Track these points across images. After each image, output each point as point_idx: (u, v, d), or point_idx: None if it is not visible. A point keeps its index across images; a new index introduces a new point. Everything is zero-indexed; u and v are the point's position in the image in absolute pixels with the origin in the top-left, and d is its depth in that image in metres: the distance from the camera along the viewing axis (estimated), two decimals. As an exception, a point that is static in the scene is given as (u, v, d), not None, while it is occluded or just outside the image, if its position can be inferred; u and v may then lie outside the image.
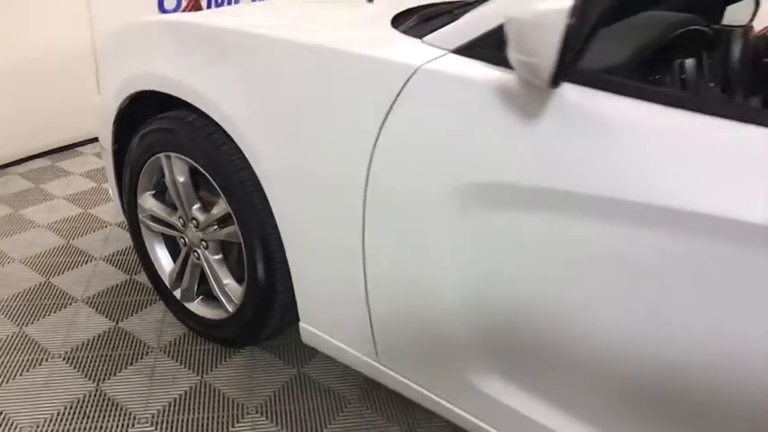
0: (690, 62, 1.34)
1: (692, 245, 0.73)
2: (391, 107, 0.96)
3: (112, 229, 2.13)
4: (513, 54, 0.75)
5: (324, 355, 1.53)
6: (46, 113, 2.62)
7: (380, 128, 0.97)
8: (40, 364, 1.47)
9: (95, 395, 1.39)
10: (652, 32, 1.06)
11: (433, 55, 0.95)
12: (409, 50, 0.98)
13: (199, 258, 1.51)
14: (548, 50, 0.69)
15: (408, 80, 0.94)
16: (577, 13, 0.67)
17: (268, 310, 1.39)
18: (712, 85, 1.44)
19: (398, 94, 0.95)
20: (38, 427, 1.29)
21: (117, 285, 1.81)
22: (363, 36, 1.09)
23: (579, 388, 0.92)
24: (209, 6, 3.10)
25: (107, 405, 1.36)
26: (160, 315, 1.68)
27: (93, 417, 1.33)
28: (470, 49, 0.92)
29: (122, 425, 1.32)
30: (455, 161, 0.90)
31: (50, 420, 1.31)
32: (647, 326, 0.79)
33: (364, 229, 1.07)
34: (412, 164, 0.95)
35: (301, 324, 1.34)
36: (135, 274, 1.87)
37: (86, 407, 1.36)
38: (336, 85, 1.04)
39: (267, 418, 1.37)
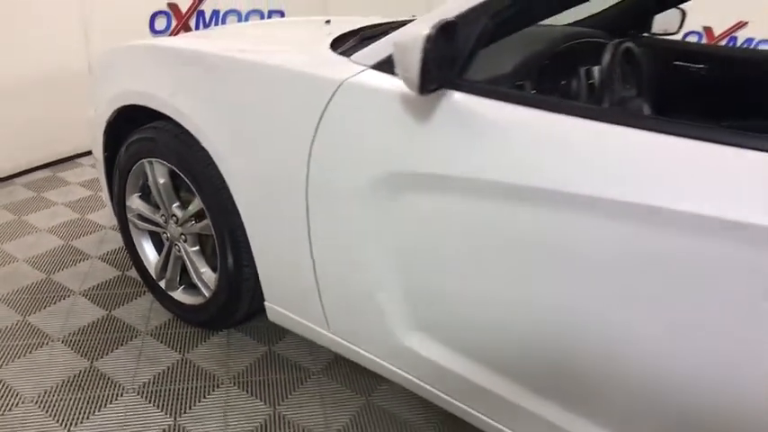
0: (597, 69, 1.55)
1: (545, 216, 0.93)
2: (322, 114, 1.17)
3: (107, 231, 2.34)
4: (397, 70, 0.96)
5: (291, 335, 1.74)
6: (46, 128, 2.84)
7: (315, 132, 1.19)
8: (41, 347, 1.68)
9: (89, 371, 1.60)
10: (539, 46, 1.27)
11: (355, 71, 1.16)
12: (338, 67, 1.19)
13: (179, 251, 1.72)
14: (413, 67, 0.90)
15: (335, 92, 1.15)
16: (432, 40, 0.88)
17: (238, 293, 1.59)
18: (628, 87, 1.66)
19: (328, 103, 1.16)
20: (39, 396, 1.50)
21: (110, 280, 2.02)
22: (304, 56, 1.31)
23: (484, 340, 1.13)
24: (197, 27, 3.34)
25: (99, 378, 1.57)
26: (148, 304, 1.89)
27: (88, 388, 1.54)
28: (383, 66, 1.13)
29: (113, 394, 1.52)
30: (371, 156, 1.11)
31: (50, 391, 1.52)
32: (526, 282, 1.00)
33: (308, 219, 1.28)
34: (340, 161, 1.16)
35: (266, 303, 1.55)
36: (126, 270, 2.07)
37: (81, 380, 1.56)
38: (281, 98, 1.25)
39: (239, 387, 1.57)
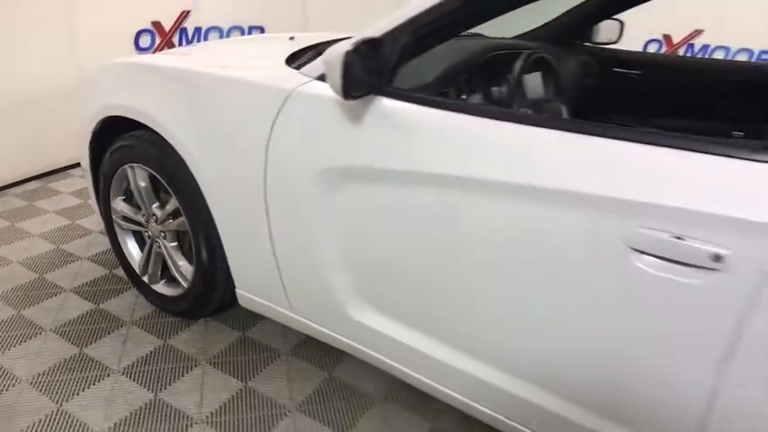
0: (530, 76, 1.76)
1: (455, 198, 1.12)
2: (275, 120, 1.36)
3: (96, 235, 2.52)
4: (328, 80, 1.16)
5: (264, 321, 1.92)
6: (37, 141, 3.02)
7: (269, 136, 1.38)
8: (35, 336, 1.85)
9: (79, 356, 1.77)
10: (461, 57, 1.47)
11: (302, 81, 1.36)
12: (288, 79, 1.38)
13: (160, 247, 1.90)
14: (336, 78, 1.10)
15: (285, 100, 1.35)
16: (351, 55, 1.08)
17: (212, 283, 1.77)
18: (547, 91, 1.86)
19: (279, 111, 1.35)
20: (33, 378, 1.67)
21: (99, 277, 2.20)
22: (262, 70, 1.50)
23: (421, 310, 1.31)
24: (180, 44, 3.54)
25: (88, 362, 1.75)
26: (133, 298, 2.07)
27: (77, 370, 1.71)
28: (325, 77, 1.32)
29: (100, 375, 1.70)
30: (315, 155, 1.30)
31: (43, 374, 1.69)
32: (446, 253, 1.19)
33: (268, 213, 1.47)
34: (290, 160, 1.36)
35: (237, 291, 1.73)
36: (113, 269, 2.25)
37: (71, 364, 1.74)
38: (241, 107, 1.45)
39: (214, 367, 1.75)
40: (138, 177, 1.84)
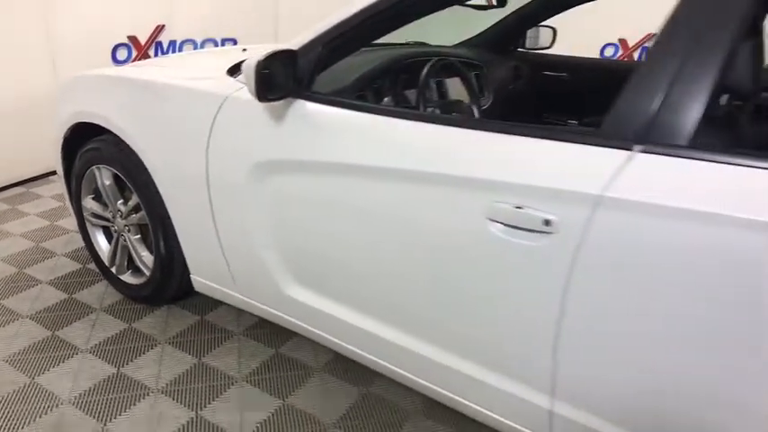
0: (447, 81, 1.97)
1: (354, 183, 1.33)
2: (213, 122, 1.57)
3: (73, 234, 2.71)
4: (246, 86, 1.36)
5: (221, 307, 2.12)
6: (21, 149, 3.22)
7: (209, 136, 1.58)
8: (13, 322, 2.04)
9: (51, 338, 1.96)
10: (380, 64, 1.69)
11: (237, 87, 1.56)
12: (225, 86, 1.59)
13: (125, 240, 2.10)
14: (251, 84, 1.31)
15: (221, 104, 1.55)
16: (261, 65, 1.28)
17: (170, 270, 1.97)
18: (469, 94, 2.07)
19: (216, 113, 1.56)
20: (9, 357, 1.86)
21: (73, 271, 2.39)
22: (207, 79, 1.71)
23: (343, 285, 1.51)
24: (156, 56, 3.75)
25: (59, 343, 1.94)
26: (103, 288, 2.26)
27: (48, 350, 1.90)
28: (255, 84, 1.53)
29: (69, 354, 1.89)
30: (246, 150, 1.51)
31: (19, 353, 1.88)
32: (361, 232, 1.39)
33: (211, 204, 1.67)
34: (226, 156, 1.56)
35: (192, 276, 1.93)
36: (87, 264, 2.44)
37: (45, 344, 1.93)
38: (186, 111, 1.65)
39: (173, 346, 1.94)
40: (104, 177, 2.04)
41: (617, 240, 1.02)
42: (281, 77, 1.37)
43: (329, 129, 1.39)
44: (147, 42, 3.67)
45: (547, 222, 1.07)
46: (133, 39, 3.60)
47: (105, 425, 1.61)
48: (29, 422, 1.61)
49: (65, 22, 3.23)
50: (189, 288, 2.00)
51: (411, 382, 1.48)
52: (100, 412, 1.65)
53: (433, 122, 1.26)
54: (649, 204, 0.98)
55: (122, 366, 1.84)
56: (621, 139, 1.04)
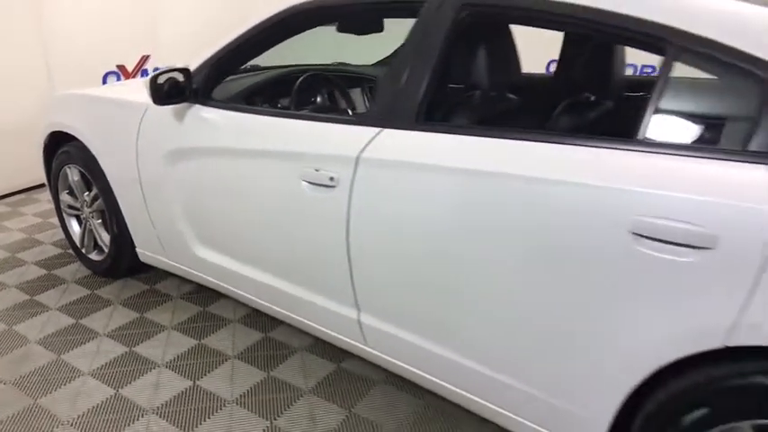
0: (353, 91, 2.48)
1: (247, 164, 1.83)
2: (139, 125, 2.09)
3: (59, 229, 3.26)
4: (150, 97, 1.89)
5: (166, 277, 2.62)
6: (23, 160, 3.81)
7: (137, 137, 2.11)
8: (1, 291, 2.58)
9: (29, 301, 2.49)
10: (266, 78, 2.21)
11: (156, 98, 2.09)
12: (149, 97, 2.12)
13: (91, 225, 2.63)
14: (147, 92, 1.83)
15: (145, 111, 2.08)
16: (154, 80, 1.80)
17: (122, 247, 2.49)
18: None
19: (142, 118, 2.09)
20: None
21: (56, 254, 2.93)
22: (138, 93, 2.24)
23: (238, 244, 2.00)
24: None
25: (34, 304, 2.46)
26: (77, 266, 2.79)
27: (27, 307, 2.42)
28: (168, 94, 2.06)
29: (41, 311, 2.40)
30: (161, 143, 2.03)
31: (5, 310, 2.40)
32: (252, 203, 1.88)
33: (142, 188, 2.18)
34: (148, 149, 2.08)
35: (137, 249, 2.44)
36: (67, 249, 2.98)
37: (23, 305, 2.45)
38: (121, 118, 2.18)
39: (123, 306, 2.45)
40: (73, 174, 2.58)
41: (376, 187, 1.49)
42: (179, 88, 1.89)
43: (212, 124, 1.91)
44: (133, 70, 4.28)
45: (331, 179, 1.56)
46: (121, 67, 4.21)
47: None
48: (2, 353, 2.12)
49: (62, 52, 3.84)
50: (138, 262, 2.51)
51: (270, 310, 1.96)
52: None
53: (278, 116, 1.76)
54: (386, 160, 1.46)
55: (80, 319, 2.35)
56: (375, 122, 1.52)
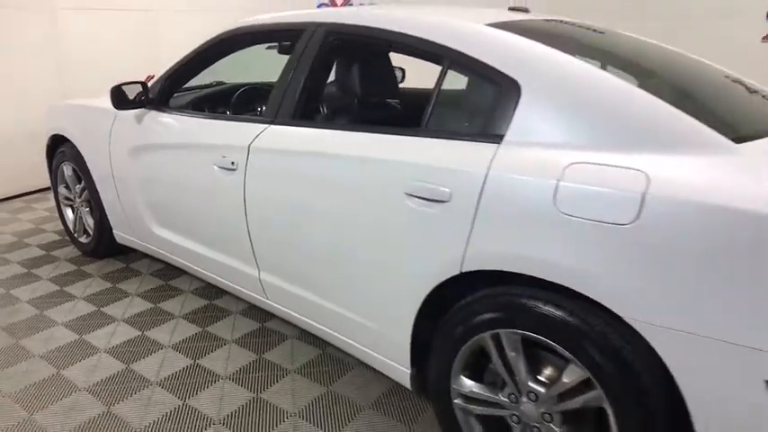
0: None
1: (179, 156, 2.33)
2: (111, 128, 2.62)
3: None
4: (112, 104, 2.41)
5: (142, 258, 3.12)
6: (40, 164, 4.43)
7: (109, 137, 2.64)
8: (4, 266, 3.12)
9: (27, 274, 3.02)
10: (209, 91, 2.71)
11: (124, 106, 2.62)
12: (120, 105, 2.65)
13: (81, 214, 3.17)
14: (109, 100, 2.35)
15: (115, 116, 2.61)
16: (114, 91, 2.32)
17: (103, 231, 3.01)
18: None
19: (113, 122, 2.62)
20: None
21: (54, 240, 3.47)
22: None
23: (179, 223, 2.49)
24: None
25: (30, 276, 2.99)
26: (70, 249, 3.33)
27: (22, 278, 2.95)
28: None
29: (33, 280, 2.93)
30: (127, 141, 2.55)
31: (4, 280, 2.94)
32: (186, 190, 2.37)
33: (114, 178, 2.71)
34: (118, 146, 2.61)
35: (114, 232, 2.96)
36: (64, 236, 3.53)
37: (21, 276, 2.98)
38: (99, 123, 2.72)
39: (103, 279, 2.96)
40: (67, 170, 3.13)
41: (261, 169, 1.96)
42: (137, 97, 2.41)
43: (162, 125, 2.41)
44: (139, 88, 4.89)
45: (232, 163, 2.03)
46: (128, 86, 4.82)
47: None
48: None
49: (74, 71, 4.47)
50: (116, 243, 3.02)
51: (206, 276, 2.42)
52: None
53: (208, 118, 2.26)
54: (267, 148, 1.92)
55: (64, 286, 2.87)
56: (266, 119, 2.00)
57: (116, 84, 2.40)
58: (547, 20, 1.98)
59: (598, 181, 1.25)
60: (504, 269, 1.39)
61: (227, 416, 1.92)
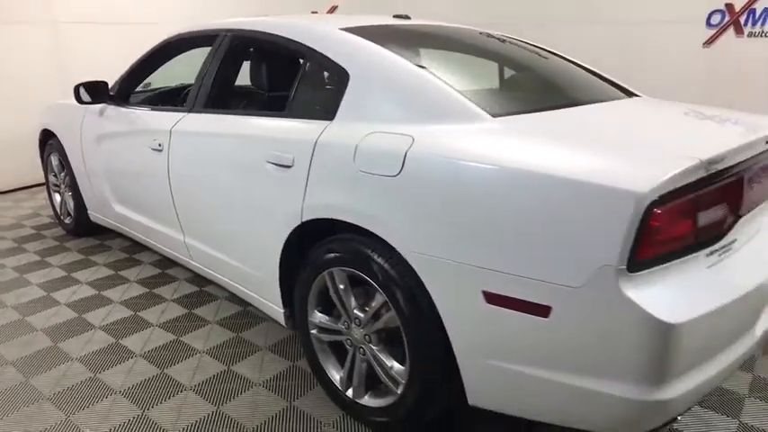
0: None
1: (129, 141, 2.78)
2: (82, 121, 3.10)
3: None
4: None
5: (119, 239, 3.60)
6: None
7: (81, 129, 3.12)
8: (1, 241, 3.63)
9: (17, 248, 3.52)
10: (161, 90, 3.17)
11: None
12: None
13: (64, 198, 3.66)
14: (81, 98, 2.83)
15: (86, 111, 3.09)
16: (76, 87, 2.79)
17: (80, 211, 3.49)
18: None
19: (84, 116, 3.10)
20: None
21: (46, 223, 3.98)
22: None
23: (132, 201, 2.94)
24: (143, 102, 5.48)
25: (18, 250, 3.49)
26: (57, 230, 3.82)
27: (15, 240, 3.45)
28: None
29: (17, 251, 3.43)
30: (92, 130, 3.02)
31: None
32: (134, 172, 2.83)
33: (85, 165, 3.18)
34: (87, 134, 3.08)
35: (88, 212, 3.44)
36: (53, 219, 4.03)
37: (9, 251, 3.48)
38: (71, 118, 3.21)
39: (79, 253, 3.43)
40: (54, 161, 3.64)
41: (178, 148, 2.38)
42: (98, 94, 2.88)
43: (117, 116, 2.87)
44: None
45: (159, 145, 2.47)
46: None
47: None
48: None
49: (75, 81, 5.01)
50: (92, 223, 3.49)
51: (154, 246, 2.86)
52: None
53: (149, 110, 2.70)
54: (182, 131, 2.35)
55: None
56: (187, 108, 2.43)
57: (79, 83, 2.87)
58: (413, 24, 2.37)
59: (381, 144, 1.63)
60: (328, 217, 1.77)
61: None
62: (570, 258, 1.30)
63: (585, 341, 1.32)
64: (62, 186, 3.66)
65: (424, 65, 1.83)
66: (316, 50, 1.97)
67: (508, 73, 2.16)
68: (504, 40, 2.39)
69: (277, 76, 2.32)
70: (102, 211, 3.25)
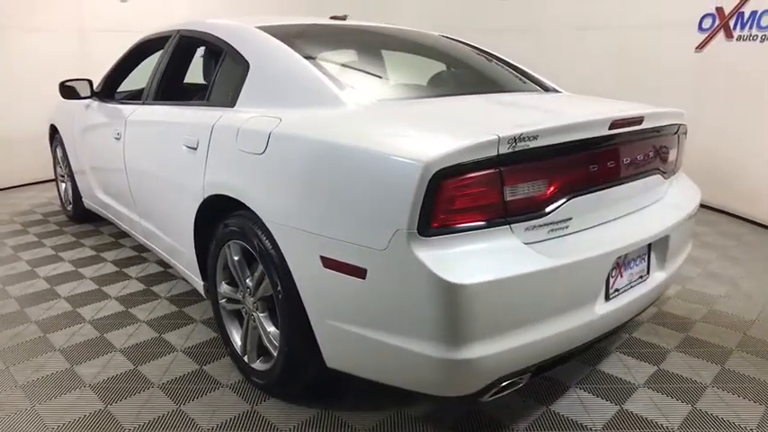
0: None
1: (106, 131, 3.08)
2: (74, 117, 3.44)
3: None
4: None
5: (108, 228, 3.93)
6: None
7: (73, 122, 3.46)
8: (6, 224, 4.03)
9: (21, 230, 3.90)
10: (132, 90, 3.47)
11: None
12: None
13: (67, 187, 4.03)
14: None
15: (78, 107, 3.43)
16: (60, 84, 3.12)
17: (76, 197, 3.83)
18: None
19: (75, 114, 3.43)
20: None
21: (50, 211, 4.38)
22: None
23: (111, 190, 3.24)
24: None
25: (22, 232, 3.86)
26: (61, 216, 4.20)
27: (5, 224, 3.84)
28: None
29: (23, 235, 3.80)
30: (80, 123, 3.35)
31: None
32: (114, 164, 3.13)
33: (77, 154, 3.52)
34: (77, 127, 3.42)
35: (82, 199, 3.77)
36: (57, 207, 4.42)
37: (14, 233, 3.87)
38: (68, 113, 3.55)
39: (73, 236, 3.78)
40: (59, 153, 4.01)
41: (131, 136, 2.64)
42: (84, 90, 3.20)
43: (98, 110, 3.18)
44: (154, 96, 5.83)
45: (118, 133, 2.74)
46: (145, 94, 5.78)
47: None
48: None
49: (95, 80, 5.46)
50: (86, 210, 3.83)
51: (126, 230, 3.13)
52: None
53: (119, 105, 2.99)
54: (134, 120, 2.61)
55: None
56: (143, 100, 2.69)
57: (63, 80, 3.21)
58: (335, 24, 2.56)
59: (255, 126, 1.81)
60: (221, 193, 1.96)
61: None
62: (378, 224, 1.42)
63: (394, 301, 1.44)
64: (66, 177, 4.03)
65: (318, 58, 2.00)
66: (231, 46, 2.18)
67: (418, 67, 2.28)
68: (437, 41, 2.52)
69: (208, 70, 2.55)
70: (92, 198, 3.57)
